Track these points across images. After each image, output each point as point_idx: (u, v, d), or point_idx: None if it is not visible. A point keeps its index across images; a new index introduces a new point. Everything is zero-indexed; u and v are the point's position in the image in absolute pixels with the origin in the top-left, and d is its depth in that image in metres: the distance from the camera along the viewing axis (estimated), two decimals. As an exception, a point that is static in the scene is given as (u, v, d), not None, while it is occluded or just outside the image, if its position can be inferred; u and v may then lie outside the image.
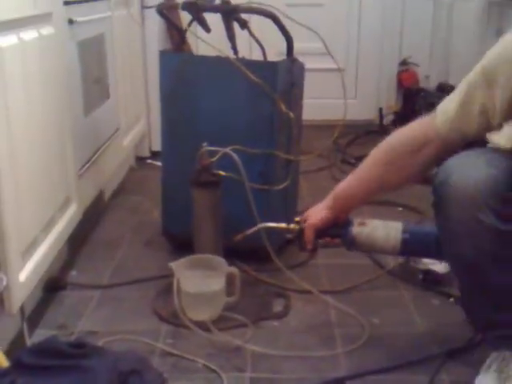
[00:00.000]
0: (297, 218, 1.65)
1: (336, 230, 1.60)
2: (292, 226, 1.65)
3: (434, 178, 1.36)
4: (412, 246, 1.55)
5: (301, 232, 1.62)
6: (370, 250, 1.64)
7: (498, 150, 1.37)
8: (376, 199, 2.61)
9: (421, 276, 1.90)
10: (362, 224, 1.58)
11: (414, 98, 3.28)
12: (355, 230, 1.57)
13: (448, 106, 1.39)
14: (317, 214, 1.60)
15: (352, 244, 1.59)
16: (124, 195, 2.70)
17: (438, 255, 1.58)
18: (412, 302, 1.81)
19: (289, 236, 1.67)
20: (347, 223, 1.58)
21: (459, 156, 1.35)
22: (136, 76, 2.99)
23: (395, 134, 1.51)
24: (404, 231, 1.54)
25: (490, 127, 1.34)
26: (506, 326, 1.38)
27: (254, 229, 1.68)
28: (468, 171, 1.30)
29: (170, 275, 1.69)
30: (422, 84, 3.74)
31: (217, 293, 1.71)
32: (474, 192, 1.27)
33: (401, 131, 1.50)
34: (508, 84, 1.26)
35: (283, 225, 1.68)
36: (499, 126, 1.34)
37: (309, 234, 1.60)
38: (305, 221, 1.61)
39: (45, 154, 1.75)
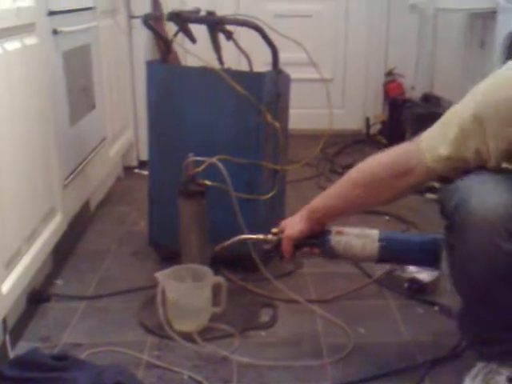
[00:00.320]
0: (274, 230, 1.63)
1: (313, 240, 1.59)
2: (269, 236, 1.63)
3: (447, 200, 1.33)
4: (389, 254, 1.54)
5: (278, 243, 1.60)
6: (348, 258, 1.63)
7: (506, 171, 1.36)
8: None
9: (406, 285, 1.90)
10: (340, 233, 1.57)
11: (400, 109, 3.30)
12: (333, 240, 1.55)
13: (437, 145, 1.35)
14: (293, 225, 1.58)
15: (330, 254, 1.58)
16: (110, 205, 2.69)
17: (418, 262, 1.58)
18: (397, 311, 1.81)
19: (266, 247, 1.66)
20: (324, 233, 1.57)
21: (474, 179, 1.32)
22: (123, 86, 2.98)
23: (376, 157, 1.48)
24: (380, 239, 1.54)
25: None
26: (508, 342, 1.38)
27: (232, 240, 1.67)
28: (487, 196, 1.27)
29: (156, 286, 1.67)
30: (408, 95, 3.77)
31: (203, 303, 1.70)
32: (493, 217, 1.25)
33: (382, 156, 1.47)
34: (500, 135, 1.27)
35: (261, 236, 1.66)
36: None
37: (286, 246, 1.58)
38: (282, 232, 1.60)
39: (29, 165, 1.74)
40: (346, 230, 1.57)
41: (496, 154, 1.29)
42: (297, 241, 1.58)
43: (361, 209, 1.58)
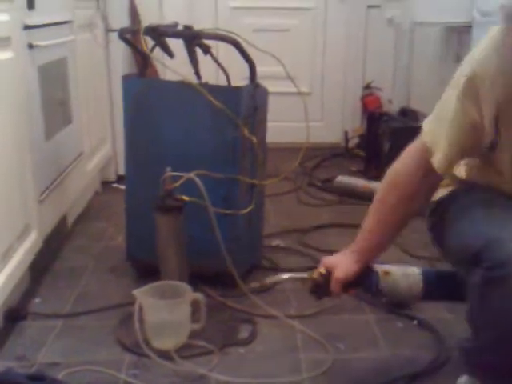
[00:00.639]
0: (322, 270, 1.56)
1: (361, 281, 1.55)
2: (315, 275, 1.57)
3: (480, 254, 1.27)
4: (434, 291, 1.54)
5: (326, 283, 1.55)
6: (392, 297, 1.63)
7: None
8: (341, 222, 2.65)
9: (385, 299, 1.90)
10: (386, 274, 1.54)
11: (378, 122, 3.32)
12: (381, 282, 1.53)
13: (438, 140, 1.37)
14: (345, 268, 1.52)
15: (377, 295, 1.58)
16: (88, 220, 2.66)
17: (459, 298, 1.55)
18: (376, 325, 1.81)
19: (309, 285, 1.58)
20: (372, 274, 1.54)
21: (489, 222, 1.31)
22: (101, 99, 2.97)
23: (390, 175, 1.49)
24: (424, 276, 1.53)
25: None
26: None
27: (276, 280, 1.60)
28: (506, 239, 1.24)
29: (134, 303, 1.65)
30: (386, 108, 3.79)
31: (181, 321, 1.68)
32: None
33: (396, 170, 1.48)
34: (492, 96, 1.27)
35: (305, 275, 1.60)
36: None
37: (337, 288, 1.53)
38: (329, 272, 1.54)
39: (3, 180, 1.72)
40: (392, 269, 1.55)
41: (488, 124, 1.29)
42: (346, 283, 1.54)
43: (402, 226, 1.53)
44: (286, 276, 1.58)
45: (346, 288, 1.55)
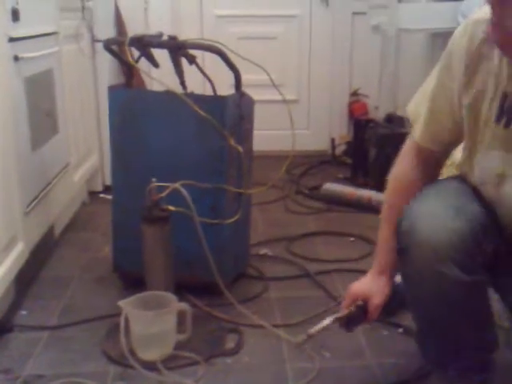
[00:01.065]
0: (359, 302, 1.50)
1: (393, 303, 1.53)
2: (353, 309, 1.51)
3: (399, 224, 1.33)
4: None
5: (363, 313, 1.51)
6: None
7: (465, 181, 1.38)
8: (328, 230, 2.66)
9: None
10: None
11: (364, 129, 3.33)
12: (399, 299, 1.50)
13: (420, 110, 1.43)
14: (381, 292, 1.49)
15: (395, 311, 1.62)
16: (75, 231, 2.66)
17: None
18: (362, 334, 1.81)
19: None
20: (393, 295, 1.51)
21: (425, 198, 1.33)
22: (87, 110, 2.97)
23: (391, 181, 1.51)
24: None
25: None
26: (457, 367, 1.39)
27: (322, 325, 1.52)
28: (433, 221, 1.27)
29: (120, 314, 1.65)
30: (372, 115, 3.81)
31: (167, 331, 1.68)
32: (436, 245, 1.25)
33: (395, 175, 1.50)
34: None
35: (346, 311, 1.52)
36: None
37: (376, 315, 1.50)
38: (366, 301, 1.50)
39: (-12, 192, 1.72)
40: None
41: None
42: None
43: None
44: (327, 321, 1.56)
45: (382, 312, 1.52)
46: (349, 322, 1.53)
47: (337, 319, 1.52)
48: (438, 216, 1.28)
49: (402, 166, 1.49)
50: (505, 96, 1.24)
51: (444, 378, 1.43)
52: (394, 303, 1.52)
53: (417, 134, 1.43)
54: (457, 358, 1.38)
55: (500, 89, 1.24)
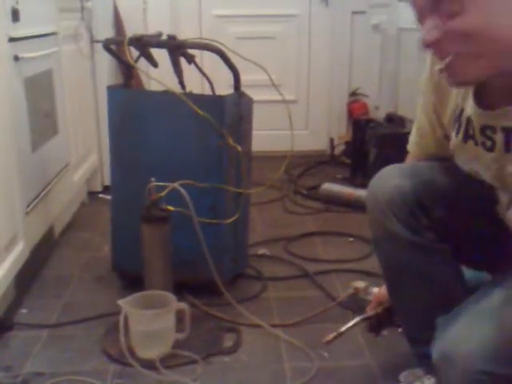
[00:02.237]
0: (386, 304, 1.56)
1: None
2: (380, 311, 1.58)
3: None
4: None
5: (390, 316, 1.56)
6: None
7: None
8: (327, 230, 2.66)
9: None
10: None
11: (364, 129, 3.33)
12: None
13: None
14: None
15: None
16: (75, 231, 2.67)
17: None
18: (361, 334, 1.81)
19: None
20: None
21: (391, 166, 1.40)
22: (87, 110, 2.98)
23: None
24: None
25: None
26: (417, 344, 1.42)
27: (348, 326, 1.59)
28: (384, 181, 1.36)
29: (119, 313, 1.66)
30: (372, 115, 3.81)
31: (166, 330, 1.69)
32: (381, 201, 1.33)
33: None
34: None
35: (373, 312, 1.59)
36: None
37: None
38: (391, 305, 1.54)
39: (-11, 192, 1.73)
40: None
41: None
42: None
43: None
44: (356, 320, 1.59)
45: None
46: (376, 325, 1.58)
47: (365, 319, 1.57)
48: (388, 175, 1.37)
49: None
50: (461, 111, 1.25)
51: (415, 354, 1.46)
52: None
53: (410, 147, 1.48)
54: (419, 331, 1.39)
55: (459, 105, 1.25)
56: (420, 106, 1.40)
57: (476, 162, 1.23)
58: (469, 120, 1.21)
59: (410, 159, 1.50)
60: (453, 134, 1.28)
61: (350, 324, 1.57)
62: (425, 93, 1.36)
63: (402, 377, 1.51)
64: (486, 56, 0.98)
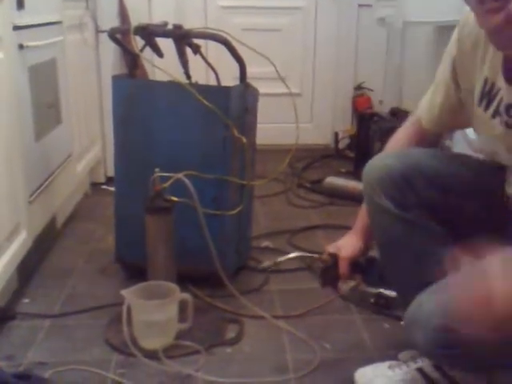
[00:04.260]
0: (330, 250, 1.64)
1: (366, 266, 1.63)
2: (324, 256, 1.64)
3: None
4: None
5: (334, 265, 1.61)
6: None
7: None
8: (330, 223, 2.66)
9: (372, 300, 1.91)
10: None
11: (368, 123, 3.32)
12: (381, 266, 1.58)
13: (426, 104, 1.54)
14: (351, 246, 1.62)
15: (379, 283, 1.67)
16: (77, 222, 2.66)
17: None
18: (363, 326, 1.82)
19: (316, 266, 1.70)
20: (375, 261, 1.61)
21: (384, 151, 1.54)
22: (91, 101, 2.97)
23: (389, 143, 1.64)
24: None
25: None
26: None
27: (287, 257, 1.66)
28: (373, 161, 1.48)
29: (122, 303, 1.66)
30: (376, 109, 3.80)
31: (169, 320, 1.69)
32: (372, 178, 1.45)
33: (393, 140, 1.63)
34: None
35: (316, 255, 1.69)
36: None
37: (344, 267, 1.60)
38: (337, 255, 1.62)
39: (-8, 181, 1.72)
40: None
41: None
42: (352, 265, 1.61)
43: None
44: (295, 254, 1.65)
45: (353, 271, 1.62)
46: (324, 274, 1.64)
47: (304, 257, 1.73)
48: (378, 157, 1.50)
49: (397, 135, 1.62)
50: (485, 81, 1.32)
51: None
52: (374, 273, 1.62)
53: (419, 110, 1.55)
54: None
55: (489, 79, 1.31)
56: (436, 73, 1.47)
57: (497, 140, 1.28)
58: (499, 96, 1.27)
59: (412, 124, 1.58)
60: (479, 110, 1.33)
61: (289, 256, 1.73)
62: (445, 68, 1.44)
63: (401, 356, 1.55)
64: None
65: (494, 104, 1.30)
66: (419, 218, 1.40)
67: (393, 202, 1.41)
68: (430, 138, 1.57)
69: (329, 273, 1.64)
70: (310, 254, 1.67)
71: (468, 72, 1.37)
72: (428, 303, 1.24)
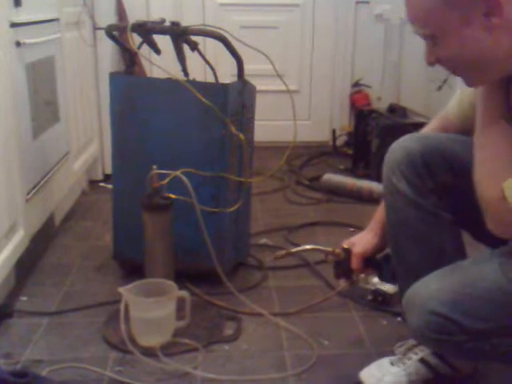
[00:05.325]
0: (345, 245, 1.65)
1: (379, 263, 1.64)
2: (337, 250, 1.66)
3: None
4: None
5: (347, 258, 1.63)
6: None
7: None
8: (328, 220, 2.66)
9: (370, 296, 1.92)
10: None
11: (366, 120, 3.32)
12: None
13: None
14: (364, 242, 1.63)
15: (391, 280, 1.64)
16: (75, 219, 2.66)
17: None
18: (361, 322, 1.82)
19: (329, 259, 1.69)
20: (388, 258, 1.60)
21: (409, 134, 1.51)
22: (88, 98, 2.96)
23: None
24: None
25: None
26: None
27: (298, 249, 1.71)
28: (396, 144, 1.47)
29: (120, 301, 1.66)
30: (374, 105, 3.80)
31: (166, 318, 1.69)
32: (392, 159, 1.45)
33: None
34: None
35: (329, 249, 1.69)
36: None
37: (356, 263, 1.62)
38: (350, 249, 1.63)
39: (-11, 179, 1.72)
40: None
41: None
42: (365, 260, 1.62)
43: None
44: (309, 246, 1.69)
45: (366, 266, 1.63)
46: (337, 267, 1.67)
47: (319, 250, 1.69)
48: (401, 140, 1.48)
49: (424, 129, 1.61)
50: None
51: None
52: (387, 271, 1.62)
53: (448, 104, 1.54)
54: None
55: None
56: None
57: None
58: None
59: (441, 118, 1.57)
60: None
61: (303, 248, 1.70)
62: None
63: (396, 348, 1.56)
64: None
65: None
66: (433, 205, 1.41)
67: (410, 185, 1.41)
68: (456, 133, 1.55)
69: (341, 267, 1.67)
70: (324, 248, 1.68)
71: None
72: (428, 286, 1.27)
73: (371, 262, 1.64)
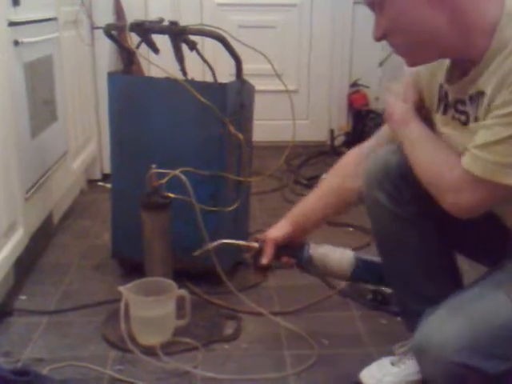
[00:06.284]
0: (258, 236, 1.66)
1: (293, 249, 1.62)
2: (252, 243, 1.65)
3: None
4: (361, 274, 1.61)
5: (260, 249, 1.62)
6: (322, 272, 1.66)
7: None
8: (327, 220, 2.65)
9: (370, 296, 1.92)
10: (319, 245, 1.62)
11: (364, 120, 3.32)
12: (311, 250, 1.59)
13: None
14: (277, 228, 1.62)
15: (307, 264, 1.61)
16: (74, 219, 2.66)
17: (382, 284, 1.68)
18: (361, 322, 1.82)
19: (246, 255, 1.67)
20: (304, 243, 1.61)
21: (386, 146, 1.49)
22: (86, 97, 2.96)
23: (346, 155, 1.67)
24: (355, 259, 1.60)
25: None
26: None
27: (213, 244, 1.67)
28: (374, 155, 1.46)
29: (119, 299, 1.66)
30: (372, 106, 3.80)
31: (166, 317, 1.69)
32: (370, 171, 1.43)
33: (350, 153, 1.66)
34: None
35: (242, 242, 1.69)
36: None
37: (268, 250, 1.60)
38: (264, 240, 1.62)
39: (-12, 178, 1.71)
40: (325, 245, 1.62)
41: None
42: (278, 248, 1.60)
43: (341, 203, 1.64)
44: (224, 241, 1.68)
45: (279, 253, 1.60)
46: (254, 259, 1.64)
47: (235, 244, 1.69)
48: (379, 151, 1.46)
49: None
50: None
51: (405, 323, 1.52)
52: (302, 255, 1.60)
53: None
54: (406, 296, 1.45)
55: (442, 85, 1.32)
56: None
57: (451, 141, 1.28)
58: (448, 97, 1.29)
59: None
60: (437, 116, 1.34)
61: (218, 242, 1.66)
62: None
63: (397, 349, 1.56)
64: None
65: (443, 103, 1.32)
66: (413, 214, 1.39)
67: (388, 197, 1.40)
68: None
69: (258, 258, 1.63)
70: (236, 242, 1.67)
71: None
72: (439, 330, 1.16)
73: (286, 250, 1.62)
